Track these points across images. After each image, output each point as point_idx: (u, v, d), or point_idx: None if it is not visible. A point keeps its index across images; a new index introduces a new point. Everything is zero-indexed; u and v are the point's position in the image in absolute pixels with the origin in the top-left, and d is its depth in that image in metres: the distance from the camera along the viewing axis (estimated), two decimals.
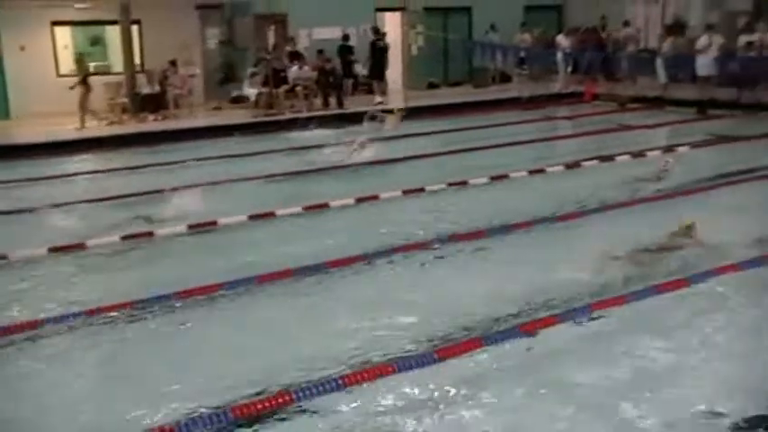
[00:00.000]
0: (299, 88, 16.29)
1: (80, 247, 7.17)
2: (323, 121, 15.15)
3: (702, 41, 15.75)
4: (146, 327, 5.38)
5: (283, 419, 4.06)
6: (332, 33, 18.25)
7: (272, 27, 18.48)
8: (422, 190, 9.02)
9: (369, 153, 11.33)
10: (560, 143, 13.48)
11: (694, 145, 11.45)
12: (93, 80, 15.15)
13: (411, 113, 14.97)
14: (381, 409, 4.12)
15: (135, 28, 16.41)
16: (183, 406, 4.19)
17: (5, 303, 5.83)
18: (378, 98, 17.24)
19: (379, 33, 17.88)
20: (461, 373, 4.47)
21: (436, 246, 6.89)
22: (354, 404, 4.17)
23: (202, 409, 4.12)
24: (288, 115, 15.88)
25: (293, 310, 5.66)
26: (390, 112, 14.74)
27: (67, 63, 16.53)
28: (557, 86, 18.90)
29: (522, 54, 19.24)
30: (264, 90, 16.23)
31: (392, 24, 19.78)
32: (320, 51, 16.98)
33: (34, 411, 4.31)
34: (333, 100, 16.74)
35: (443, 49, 20.85)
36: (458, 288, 5.93)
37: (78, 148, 13.09)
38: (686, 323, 5.09)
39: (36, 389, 4.56)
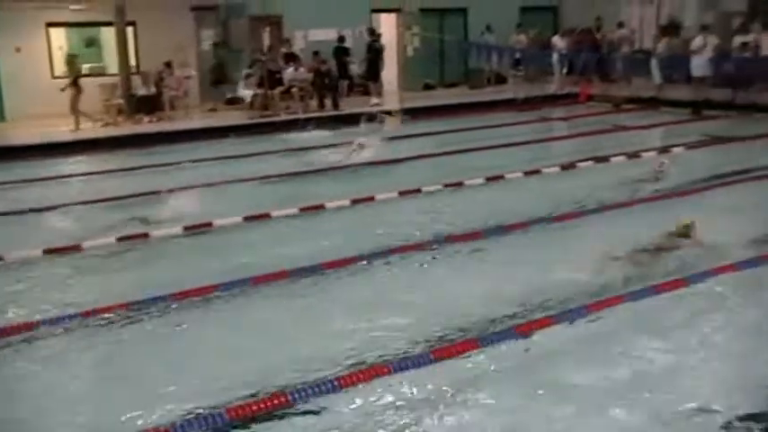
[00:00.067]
0: (294, 90, 16.28)
1: (76, 248, 7.15)
2: (319, 123, 15.15)
3: (697, 42, 15.79)
4: (141, 328, 5.37)
5: (279, 421, 4.05)
6: (327, 35, 18.24)
7: (268, 28, 18.47)
8: (418, 191, 9.02)
9: (365, 154, 11.33)
10: (556, 144, 13.51)
11: (689, 146, 11.47)
12: (87, 81, 15.12)
13: (407, 114, 14.97)
14: (378, 410, 4.12)
15: (130, 29, 16.37)
16: (178, 407, 4.18)
17: (1, 305, 5.81)
18: (374, 99, 17.24)
19: (374, 34, 17.89)
20: (458, 373, 4.47)
21: (432, 247, 6.89)
22: (350, 405, 4.17)
23: (198, 410, 4.11)
24: (283, 117, 15.87)
25: (289, 311, 5.65)
26: (389, 113, 14.75)
27: (62, 65, 16.48)
28: (552, 87, 18.93)
29: (518, 55, 19.27)
30: (260, 91, 16.22)
31: (388, 25, 19.79)
32: (315, 53, 16.98)
33: (31, 413, 4.31)
34: (328, 101, 16.74)
35: (439, 51, 20.86)
36: (454, 289, 5.93)
37: (73, 150, 13.06)
38: (684, 323, 5.09)
39: (32, 390, 4.55)
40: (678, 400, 4.13)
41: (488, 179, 9.50)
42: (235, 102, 17.06)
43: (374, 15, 19.58)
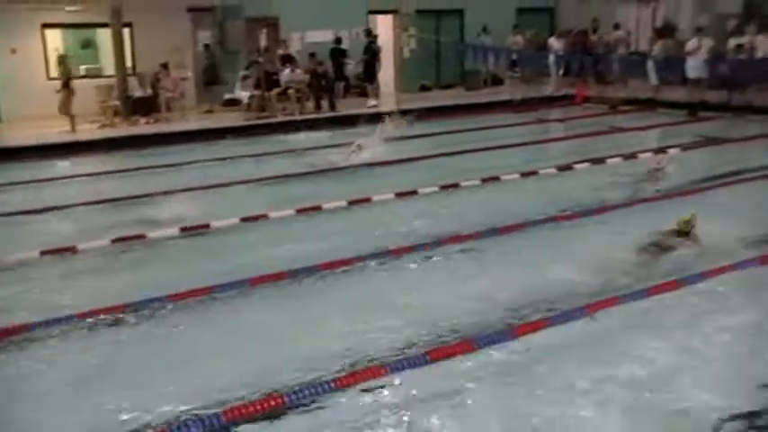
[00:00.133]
0: (291, 91, 16.28)
1: (72, 250, 7.15)
2: (315, 124, 15.16)
3: (692, 44, 15.84)
4: (138, 330, 5.37)
5: (276, 422, 4.05)
6: (324, 36, 18.25)
7: (264, 30, 18.47)
8: (414, 192, 9.03)
9: (362, 156, 11.35)
10: (552, 145, 13.53)
11: (685, 147, 11.50)
12: (84, 83, 15.10)
13: (412, 114, 14.96)
14: (374, 411, 4.12)
15: (126, 31, 16.36)
16: (176, 408, 4.18)
17: None
18: (371, 101, 17.25)
19: (371, 35, 17.90)
20: (454, 374, 4.47)
21: (429, 248, 6.90)
22: (347, 406, 4.17)
23: (195, 412, 4.11)
24: (280, 118, 15.88)
25: (286, 312, 5.65)
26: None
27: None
28: (549, 89, 18.97)
29: (514, 56, 19.30)
30: (256, 93, 16.22)
31: (384, 27, 19.80)
32: (312, 54, 16.98)
33: (26, 415, 4.30)
34: (325, 103, 16.74)
35: (435, 52, 20.88)
36: (451, 290, 5.93)
37: (70, 151, 13.04)
38: (683, 323, 5.12)
39: (28, 392, 4.54)
40: (678, 399, 4.15)
41: (485, 180, 9.52)
42: (231, 103, 17.05)
43: (371, 17, 19.59)
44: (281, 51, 17.36)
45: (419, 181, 9.48)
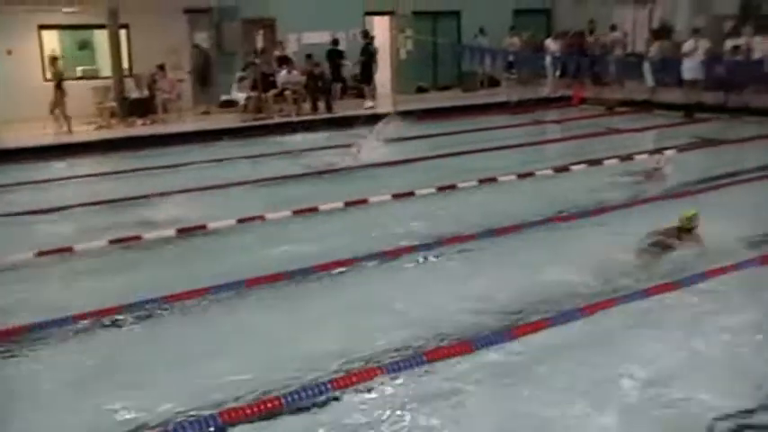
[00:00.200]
0: (287, 92, 16.27)
1: (68, 250, 7.13)
2: (312, 126, 15.15)
3: (688, 45, 15.87)
4: (134, 331, 5.36)
5: (273, 424, 4.04)
6: (321, 38, 18.24)
7: (261, 31, 18.45)
8: (411, 194, 9.02)
9: (359, 157, 11.35)
10: (549, 147, 13.54)
11: (682, 148, 11.51)
12: (80, 84, 15.06)
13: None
14: (371, 412, 4.12)
15: (123, 32, 16.33)
16: (172, 409, 4.18)
17: None
18: (368, 102, 17.25)
19: (368, 37, 17.90)
20: (451, 375, 4.47)
21: (426, 249, 6.90)
22: (344, 408, 4.16)
23: (191, 413, 4.10)
24: (276, 119, 15.87)
25: (283, 313, 5.65)
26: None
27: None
28: (545, 90, 18.99)
29: (511, 58, 19.31)
30: (253, 94, 16.21)
31: (381, 28, 19.80)
32: (308, 56, 16.97)
33: (22, 416, 4.29)
34: (322, 104, 16.74)
35: (432, 53, 20.86)
36: (449, 291, 5.93)
37: (66, 153, 13.01)
38: (683, 323, 5.14)
39: (26, 392, 4.53)
40: (677, 399, 4.16)
41: (482, 182, 9.52)
42: (228, 104, 17.04)
43: (367, 18, 19.58)
44: (277, 53, 17.35)
45: (416, 182, 9.48)
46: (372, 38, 18.07)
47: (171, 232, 7.65)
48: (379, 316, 5.41)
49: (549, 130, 15.62)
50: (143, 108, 15.76)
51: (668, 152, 10.48)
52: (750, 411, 4.00)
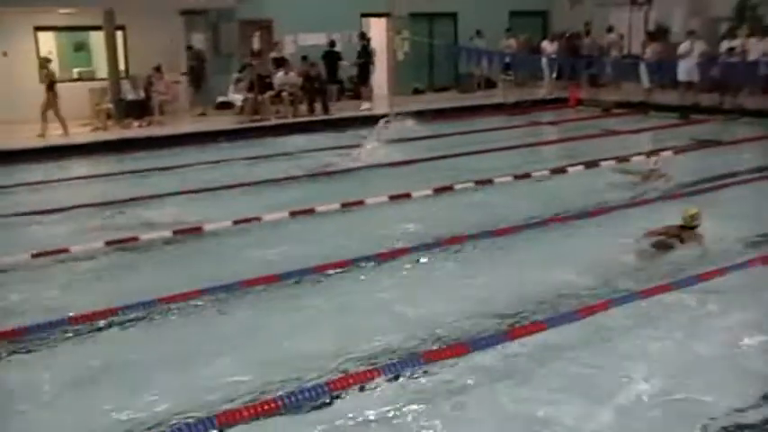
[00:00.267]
0: (284, 94, 16.26)
1: (64, 252, 7.11)
2: (308, 127, 15.14)
3: (684, 47, 15.92)
4: (129, 333, 5.35)
5: (269, 425, 4.04)
6: (317, 39, 18.25)
7: (258, 33, 18.45)
8: (408, 195, 9.02)
9: (355, 159, 11.37)
10: (546, 148, 13.55)
11: (678, 150, 11.54)
12: (77, 86, 15.00)
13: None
14: (368, 413, 4.11)
15: (120, 33, 16.30)
16: (168, 411, 4.17)
17: None
18: (365, 104, 17.25)
19: (365, 38, 17.91)
20: (449, 377, 4.47)
21: (423, 250, 6.90)
22: (341, 409, 4.16)
23: (188, 416, 4.10)
24: (273, 121, 15.86)
25: (279, 314, 5.64)
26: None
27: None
28: (542, 92, 19.02)
29: (508, 59, 19.33)
30: (250, 96, 16.20)
31: (377, 30, 19.81)
32: (304, 58, 16.97)
33: (20, 417, 4.28)
34: (318, 106, 16.73)
35: (429, 55, 20.90)
36: (446, 293, 5.94)
37: (62, 154, 12.97)
38: (684, 323, 5.16)
39: (21, 394, 4.52)
40: (679, 398, 4.17)
41: (479, 183, 9.52)
42: (225, 106, 17.02)
43: (364, 20, 19.59)
44: (274, 54, 17.35)
45: (413, 184, 9.47)
46: (369, 39, 18.08)
47: (167, 234, 7.64)
48: (377, 317, 5.40)
49: (546, 131, 15.63)
50: (139, 110, 15.73)
51: (665, 153, 10.50)
52: (750, 412, 4.01)
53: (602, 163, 10.48)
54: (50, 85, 14.21)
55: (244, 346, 5.09)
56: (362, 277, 6.37)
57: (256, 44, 18.25)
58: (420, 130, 14.29)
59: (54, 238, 7.60)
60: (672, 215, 6.80)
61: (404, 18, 19.76)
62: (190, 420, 4.03)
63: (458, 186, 9.39)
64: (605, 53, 18.83)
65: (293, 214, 8.27)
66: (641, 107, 16.60)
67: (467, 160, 11.45)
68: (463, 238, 7.18)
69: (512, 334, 4.98)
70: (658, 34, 18.35)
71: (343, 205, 8.59)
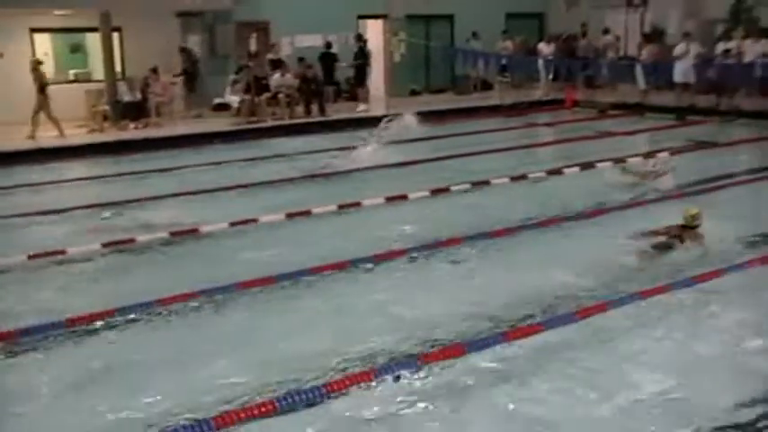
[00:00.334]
0: (281, 96, 16.26)
1: (60, 253, 7.10)
2: (305, 129, 15.14)
3: (679, 48, 15.95)
4: (126, 334, 5.34)
5: (266, 427, 4.03)
6: (314, 41, 18.26)
7: (254, 34, 18.44)
8: (405, 197, 9.01)
9: (352, 160, 11.36)
10: (542, 149, 13.56)
11: (674, 151, 11.55)
12: (73, 87, 14.96)
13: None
14: (365, 415, 4.11)
15: (116, 35, 16.29)
16: (165, 412, 4.17)
17: None
18: (361, 106, 17.25)
19: (362, 40, 17.92)
20: (444, 379, 4.47)
21: (419, 252, 6.90)
22: (337, 411, 4.15)
23: (185, 418, 4.09)
24: (270, 123, 15.86)
25: (275, 316, 5.64)
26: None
27: (47, 71, 16.31)
28: (538, 93, 19.04)
29: (504, 61, 19.37)
30: (246, 97, 16.20)
31: (374, 32, 19.82)
32: (300, 59, 16.97)
33: (12, 421, 4.27)
34: (315, 107, 16.73)
35: (425, 57, 20.92)
36: (441, 294, 5.94)
37: (58, 156, 12.95)
38: (685, 323, 5.18)
39: (19, 395, 4.51)
40: (679, 398, 4.18)
41: (475, 184, 9.53)
42: (221, 108, 17.01)
43: (361, 21, 19.60)
44: (271, 56, 17.34)
45: (409, 185, 9.47)
46: (366, 41, 18.09)
47: (164, 235, 7.62)
48: (373, 319, 5.40)
49: (542, 132, 15.65)
50: (136, 111, 15.70)
51: (661, 155, 10.52)
52: (750, 412, 4.02)
53: (599, 164, 10.48)
54: (41, 87, 14.16)
55: (240, 347, 5.08)
56: (359, 279, 6.37)
57: (253, 46, 18.25)
58: (416, 132, 14.30)
59: (51, 240, 7.59)
60: (670, 216, 6.82)
61: (400, 20, 19.77)
62: (186, 422, 4.02)
63: (454, 188, 9.39)
64: (601, 55, 18.86)
65: (290, 216, 8.27)
66: (637, 109, 16.63)
67: (463, 162, 11.45)
68: (460, 240, 7.19)
69: (509, 335, 4.97)
70: (654, 36, 18.41)
71: (340, 207, 8.59)
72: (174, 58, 16.99)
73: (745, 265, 6.17)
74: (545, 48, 19.32)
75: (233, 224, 7.96)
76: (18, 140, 13.81)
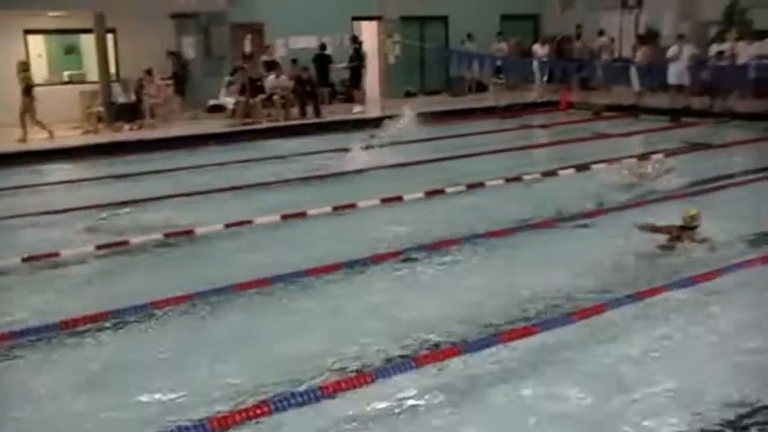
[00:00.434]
0: (276, 97, 16.25)
1: (54, 256, 7.07)
2: (300, 131, 15.13)
3: (673, 50, 16.00)
4: (120, 337, 5.32)
5: (263, 429, 4.02)
6: (309, 42, 18.25)
7: (249, 36, 18.43)
8: (400, 198, 9.01)
9: (349, 161, 11.36)
10: (537, 151, 13.58)
11: (669, 152, 11.57)
12: (67, 89, 14.91)
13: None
14: (362, 417, 4.10)
15: (110, 37, 16.25)
16: (162, 414, 4.16)
17: None
18: (357, 107, 17.25)
19: (356, 41, 17.92)
20: (440, 380, 4.46)
21: (415, 253, 6.89)
22: (334, 413, 4.14)
23: (180, 421, 4.08)
24: (265, 124, 15.85)
25: (271, 318, 5.63)
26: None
27: (41, 72, 16.33)
28: (533, 95, 19.07)
29: (499, 63, 19.40)
30: (241, 99, 16.18)
31: (369, 33, 19.82)
32: (294, 61, 16.96)
33: (10, 424, 4.25)
34: (310, 109, 16.73)
35: (420, 58, 20.95)
36: (437, 296, 5.94)
37: (53, 158, 12.93)
38: (684, 323, 5.19)
39: (17, 396, 4.49)
40: (680, 396, 4.18)
41: (470, 186, 9.53)
42: (216, 109, 16.99)
43: (355, 23, 19.60)
44: (265, 57, 17.33)
45: (405, 187, 9.47)
46: (361, 43, 18.09)
47: (159, 237, 7.60)
48: (369, 320, 5.40)
49: (537, 134, 15.67)
50: (130, 113, 15.68)
51: (656, 156, 10.54)
52: (750, 411, 4.03)
53: (594, 165, 10.50)
54: (27, 89, 14.10)
55: (236, 349, 5.07)
56: (354, 280, 6.36)
57: (248, 47, 18.23)
58: (411, 134, 14.30)
59: (45, 242, 7.56)
60: (668, 217, 6.83)
61: (395, 21, 19.78)
62: (182, 424, 4.00)
63: (450, 189, 9.39)
64: (596, 56, 18.91)
65: (285, 217, 8.26)
66: (632, 110, 16.67)
67: (458, 163, 11.46)
68: (455, 241, 7.18)
69: (505, 337, 4.97)
70: (648, 38, 18.46)
71: (335, 208, 8.58)
72: (170, 59, 16.97)
73: (743, 265, 6.17)
74: (540, 49, 19.36)
75: (228, 226, 7.94)
76: (11, 143, 13.77)
